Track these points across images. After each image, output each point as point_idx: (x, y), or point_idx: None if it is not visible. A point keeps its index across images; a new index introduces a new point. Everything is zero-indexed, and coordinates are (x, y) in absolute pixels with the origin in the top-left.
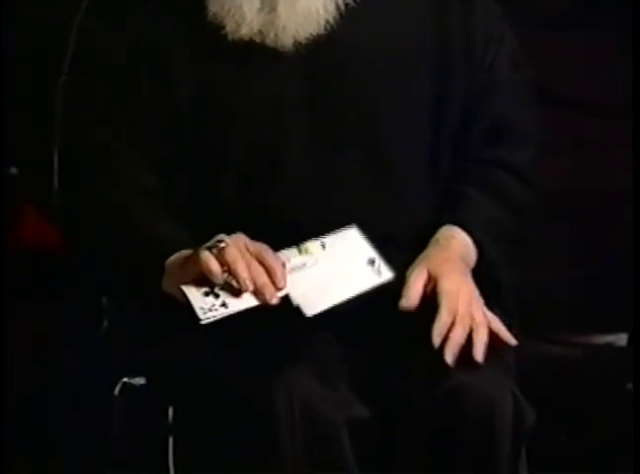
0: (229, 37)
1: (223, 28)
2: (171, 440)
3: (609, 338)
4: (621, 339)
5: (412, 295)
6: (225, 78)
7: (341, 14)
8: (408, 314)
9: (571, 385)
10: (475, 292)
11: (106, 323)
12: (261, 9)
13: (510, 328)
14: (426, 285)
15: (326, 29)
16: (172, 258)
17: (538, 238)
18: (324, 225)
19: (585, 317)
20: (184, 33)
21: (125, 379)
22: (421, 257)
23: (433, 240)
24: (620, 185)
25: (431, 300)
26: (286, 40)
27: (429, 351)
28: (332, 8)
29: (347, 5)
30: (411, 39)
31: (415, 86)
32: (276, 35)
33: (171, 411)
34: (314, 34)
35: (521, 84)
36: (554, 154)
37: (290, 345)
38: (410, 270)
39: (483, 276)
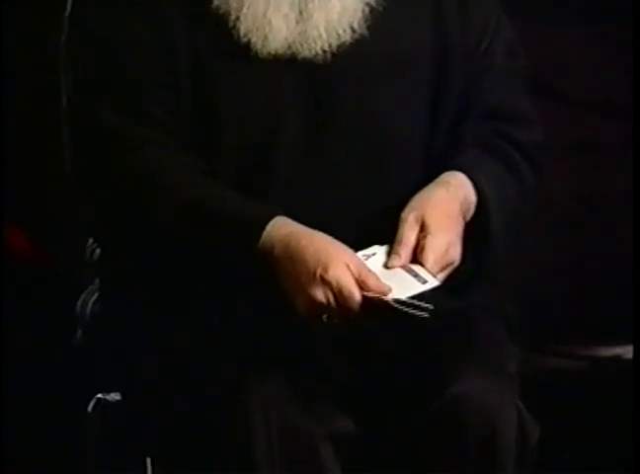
0: (259, 53)
1: (245, 40)
2: (149, 461)
3: (617, 350)
4: (629, 351)
5: (404, 254)
6: (221, 76)
7: (367, 21)
8: (401, 322)
9: (576, 399)
10: (455, 255)
11: (80, 333)
12: (295, 20)
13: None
14: (417, 235)
15: (355, 36)
16: (274, 231)
17: (541, 245)
18: (320, 223)
19: (591, 328)
20: (184, 27)
21: (100, 395)
22: (418, 198)
23: (436, 180)
24: (626, 187)
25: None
26: (317, 50)
27: (424, 360)
28: (360, 15)
29: (371, 10)
30: (412, 36)
31: (415, 84)
32: (307, 45)
33: (148, 429)
34: (345, 41)
35: (517, 71)
36: (556, 155)
37: (270, 355)
38: (405, 212)
39: (478, 233)
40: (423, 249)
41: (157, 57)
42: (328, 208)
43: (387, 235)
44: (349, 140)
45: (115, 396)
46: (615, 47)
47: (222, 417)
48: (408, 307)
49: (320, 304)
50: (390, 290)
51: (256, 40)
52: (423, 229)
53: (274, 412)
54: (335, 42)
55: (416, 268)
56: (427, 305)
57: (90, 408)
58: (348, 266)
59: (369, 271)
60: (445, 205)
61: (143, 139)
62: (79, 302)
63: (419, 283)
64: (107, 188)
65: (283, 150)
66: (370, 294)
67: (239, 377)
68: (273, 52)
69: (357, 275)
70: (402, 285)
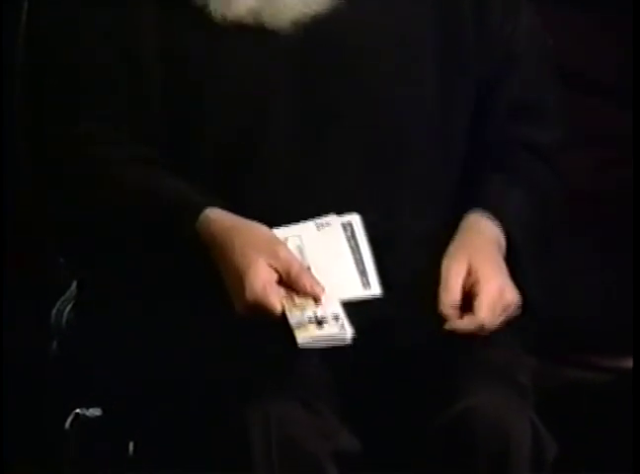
0: (215, 19)
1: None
2: None
3: None
4: None
5: (454, 293)
6: (200, 57)
7: None
8: (406, 329)
9: (600, 414)
10: (512, 298)
11: (55, 343)
12: None
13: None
14: (465, 281)
15: (333, 5)
16: (202, 226)
17: (562, 245)
18: (308, 215)
19: (616, 337)
20: (153, 7)
21: (78, 410)
22: (457, 245)
23: (464, 226)
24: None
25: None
26: (284, 19)
27: (432, 372)
28: None
29: None
30: (411, 21)
31: (417, 69)
32: (273, 13)
33: (132, 446)
34: (318, 9)
35: (543, 57)
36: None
37: (270, 366)
38: (447, 259)
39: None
40: (476, 295)
41: (117, 53)
42: (315, 196)
43: (380, 228)
44: (340, 126)
45: (94, 411)
46: (615, 33)
47: (218, 432)
48: (322, 341)
49: (249, 316)
50: (322, 292)
51: (216, 7)
52: (471, 275)
53: (275, 426)
54: (308, 12)
55: (368, 263)
56: (342, 337)
57: (68, 424)
58: (272, 268)
59: (300, 268)
60: (487, 249)
61: (94, 136)
62: (54, 310)
63: (360, 286)
64: (61, 185)
65: (269, 141)
66: (289, 313)
67: (237, 390)
68: (235, 20)
69: (284, 275)
70: (341, 281)
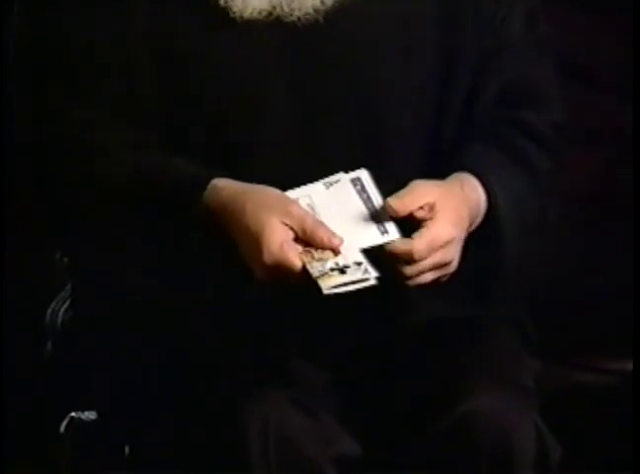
0: (237, 17)
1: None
2: None
3: None
4: None
5: (404, 206)
6: (197, 52)
7: None
8: (407, 339)
9: (602, 416)
10: (453, 258)
11: (50, 344)
12: None
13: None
14: (422, 209)
15: None
16: (211, 195)
17: (562, 245)
18: None
19: (620, 340)
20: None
21: (73, 414)
22: (438, 182)
23: (455, 176)
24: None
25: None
26: (307, 9)
27: (433, 375)
28: None
29: None
30: (412, 19)
31: (417, 67)
32: (297, 3)
33: (127, 450)
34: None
35: (538, 42)
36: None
37: (268, 370)
38: (423, 182)
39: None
40: (422, 228)
41: (113, 38)
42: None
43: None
44: (337, 111)
45: (90, 414)
46: (615, 32)
47: (216, 436)
48: (345, 286)
49: (270, 279)
50: (341, 243)
51: (234, 1)
52: (431, 211)
53: (273, 431)
54: (327, 2)
55: (382, 211)
56: (367, 279)
57: (62, 428)
58: (286, 226)
59: (315, 222)
60: (458, 203)
61: (94, 121)
62: (49, 311)
63: (378, 233)
64: (60, 170)
65: (268, 140)
66: (310, 266)
67: (235, 393)
68: (255, 14)
69: (300, 232)
70: (358, 232)
